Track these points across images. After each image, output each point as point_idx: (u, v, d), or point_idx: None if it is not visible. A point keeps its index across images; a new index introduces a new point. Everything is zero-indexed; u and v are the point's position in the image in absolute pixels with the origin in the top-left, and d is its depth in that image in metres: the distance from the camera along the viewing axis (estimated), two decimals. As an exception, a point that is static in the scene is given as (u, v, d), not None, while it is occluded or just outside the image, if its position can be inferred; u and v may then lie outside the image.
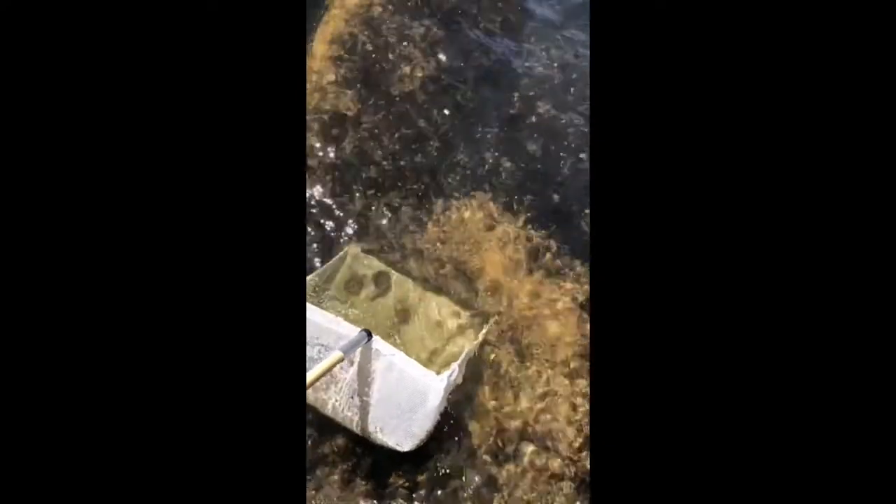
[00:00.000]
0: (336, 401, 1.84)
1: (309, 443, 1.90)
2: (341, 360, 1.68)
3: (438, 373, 1.79)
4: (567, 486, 1.82)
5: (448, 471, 1.86)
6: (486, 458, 1.87)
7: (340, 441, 1.89)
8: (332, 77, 2.49)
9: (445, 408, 1.87)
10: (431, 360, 1.87)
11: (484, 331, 1.97)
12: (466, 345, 1.93)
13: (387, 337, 1.87)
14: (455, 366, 1.80)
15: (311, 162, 2.35)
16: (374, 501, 1.82)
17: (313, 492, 1.84)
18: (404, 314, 1.96)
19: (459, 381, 1.89)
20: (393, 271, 2.06)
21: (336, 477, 1.85)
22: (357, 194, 2.29)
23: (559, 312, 2.07)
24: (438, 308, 1.98)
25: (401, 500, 1.81)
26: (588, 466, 1.80)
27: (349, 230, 2.23)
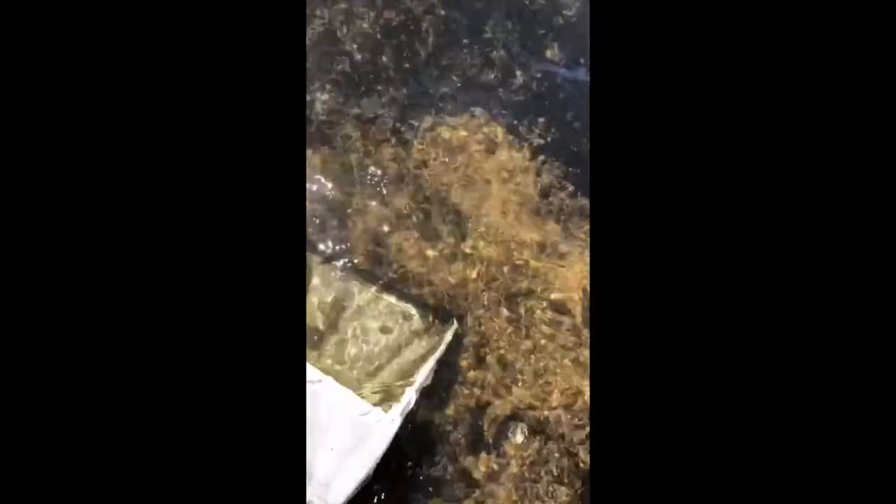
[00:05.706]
0: None
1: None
2: None
3: (385, 404, 1.45)
4: (561, 471, 1.54)
5: (434, 453, 1.55)
6: (465, 442, 1.55)
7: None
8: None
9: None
10: (373, 377, 1.55)
11: (447, 339, 1.61)
12: (424, 352, 1.58)
13: (311, 351, 1.53)
14: (409, 397, 1.48)
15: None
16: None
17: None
18: (333, 320, 1.61)
19: (428, 382, 1.55)
20: (331, 268, 1.67)
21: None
22: (323, 95, 1.92)
23: (569, 267, 1.75)
24: (381, 311, 1.63)
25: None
26: (588, 450, 1.57)
27: (306, 143, 1.85)
